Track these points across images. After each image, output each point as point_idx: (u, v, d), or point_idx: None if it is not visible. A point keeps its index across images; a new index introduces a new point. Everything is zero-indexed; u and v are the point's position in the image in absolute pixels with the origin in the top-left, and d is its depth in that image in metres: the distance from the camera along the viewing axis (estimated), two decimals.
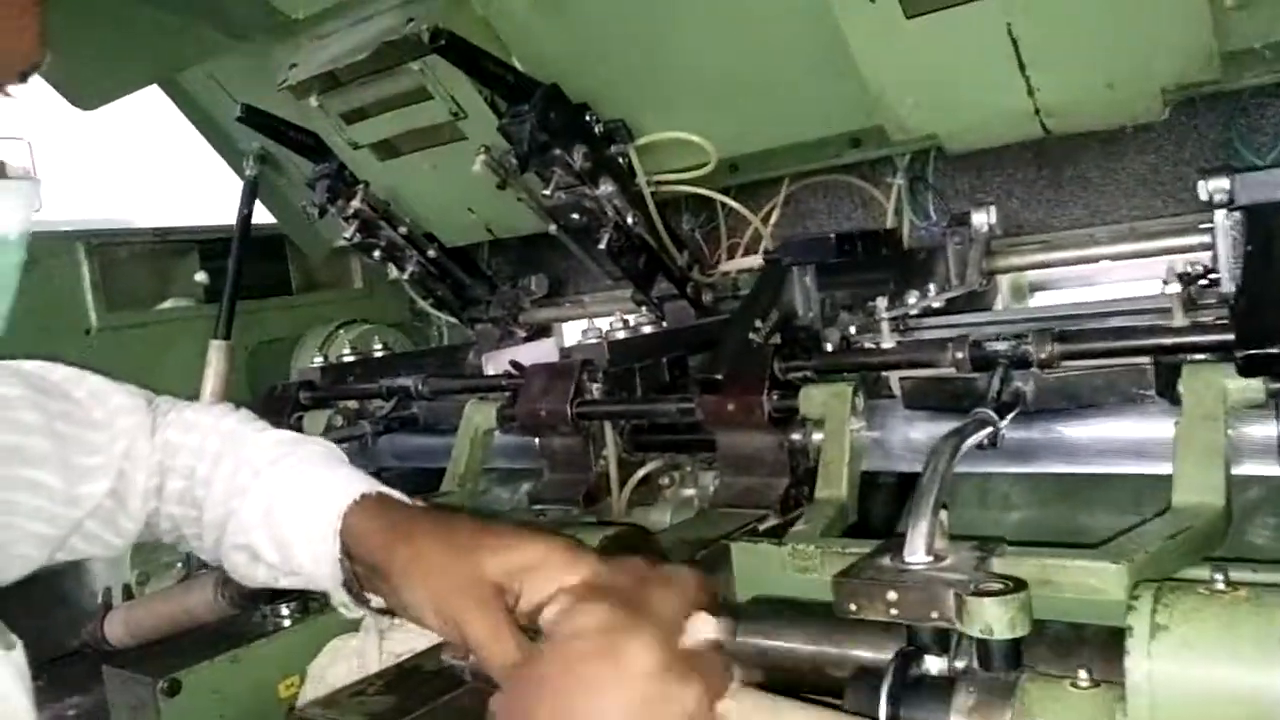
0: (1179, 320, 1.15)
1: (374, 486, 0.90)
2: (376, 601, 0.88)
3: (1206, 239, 1.47)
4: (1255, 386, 1.03)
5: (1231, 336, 1.05)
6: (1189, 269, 1.26)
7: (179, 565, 1.85)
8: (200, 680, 1.17)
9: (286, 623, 1.33)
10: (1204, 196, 1.32)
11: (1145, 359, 1.16)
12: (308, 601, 1.40)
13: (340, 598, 0.89)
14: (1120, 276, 1.82)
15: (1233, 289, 1.24)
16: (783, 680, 1.01)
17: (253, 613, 1.40)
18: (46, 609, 1.79)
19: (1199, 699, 0.75)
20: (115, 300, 2.20)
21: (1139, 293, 1.56)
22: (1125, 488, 1.33)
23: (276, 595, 1.40)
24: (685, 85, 1.76)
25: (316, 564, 0.87)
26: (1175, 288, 1.15)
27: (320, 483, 0.90)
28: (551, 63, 1.75)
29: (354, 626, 1.31)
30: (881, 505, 1.42)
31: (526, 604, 0.81)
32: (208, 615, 1.46)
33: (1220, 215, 1.25)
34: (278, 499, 0.90)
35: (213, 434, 0.97)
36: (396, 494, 0.91)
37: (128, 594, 1.72)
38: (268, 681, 1.22)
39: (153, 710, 1.13)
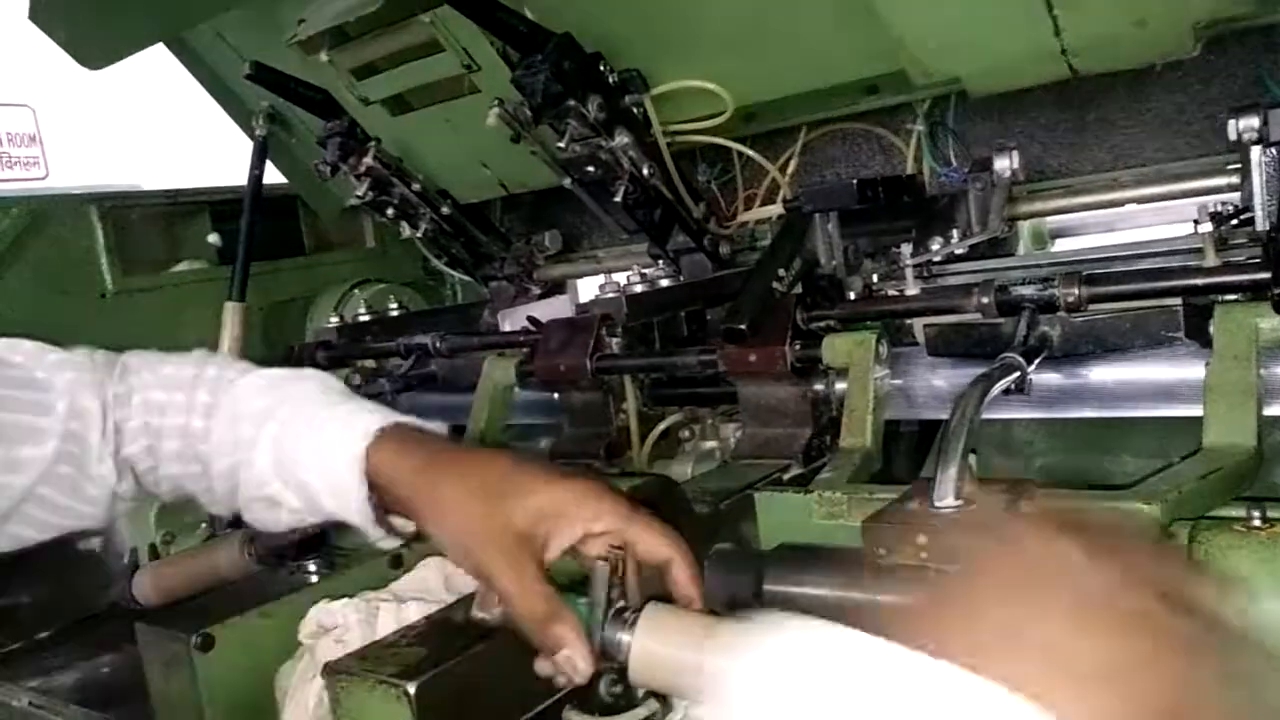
0: (1211, 260, 1.13)
1: (386, 418, 0.88)
2: (406, 526, 0.88)
3: (1233, 180, 1.44)
4: None
5: (1266, 275, 1.03)
6: (1220, 209, 1.23)
7: (204, 525, 1.86)
8: (232, 635, 1.17)
9: (313, 578, 1.34)
10: (1233, 135, 1.29)
11: (1175, 301, 1.15)
12: (333, 557, 1.41)
13: (375, 535, 0.88)
14: (1144, 221, 1.79)
15: (1267, 227, 1.21)
16: None
17: (279, 569, 1.41)
18: (74, 571, 1.81)
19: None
20: (129, 263, 2.19)
21: (1163, 237, 1.54)
22: (1152, 432, 1.32)
23: (302, 552, 1.41)
24: (700, 32, 1.73)
25: (343, 507, 0.86)
26: (1208, 227, 1.13)
27: (330, 425, 0.88)
28: (564, 11, 1.72)
29: (374, 580, 1.32)
30: (905, 453, 1.42)
31: (554, 550, 0.80)
32: (234, 573, 1.47)
33: (1256, 151, 1.22)
34: (289, 447, 0.88)
35: (199, 386, 0.95)
36: (409, 420, 0.89)
37: (154, 554, 1.74)
38: (297, 636, 1.23)
39: (186, 664, 1.14)
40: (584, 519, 0.80)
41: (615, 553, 0.79)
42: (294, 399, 0.92)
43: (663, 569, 0.81)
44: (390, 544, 0.90)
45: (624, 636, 0.77)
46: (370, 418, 0.87)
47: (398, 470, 0.84)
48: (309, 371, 0.98)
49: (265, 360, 2.30)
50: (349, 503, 0.86)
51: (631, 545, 0.80)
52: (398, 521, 0.88)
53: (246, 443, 0.90)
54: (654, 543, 0.80)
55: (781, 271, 1.35)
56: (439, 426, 0.91)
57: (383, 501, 0.86)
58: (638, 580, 0.82)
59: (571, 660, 0.75)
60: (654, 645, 0.77)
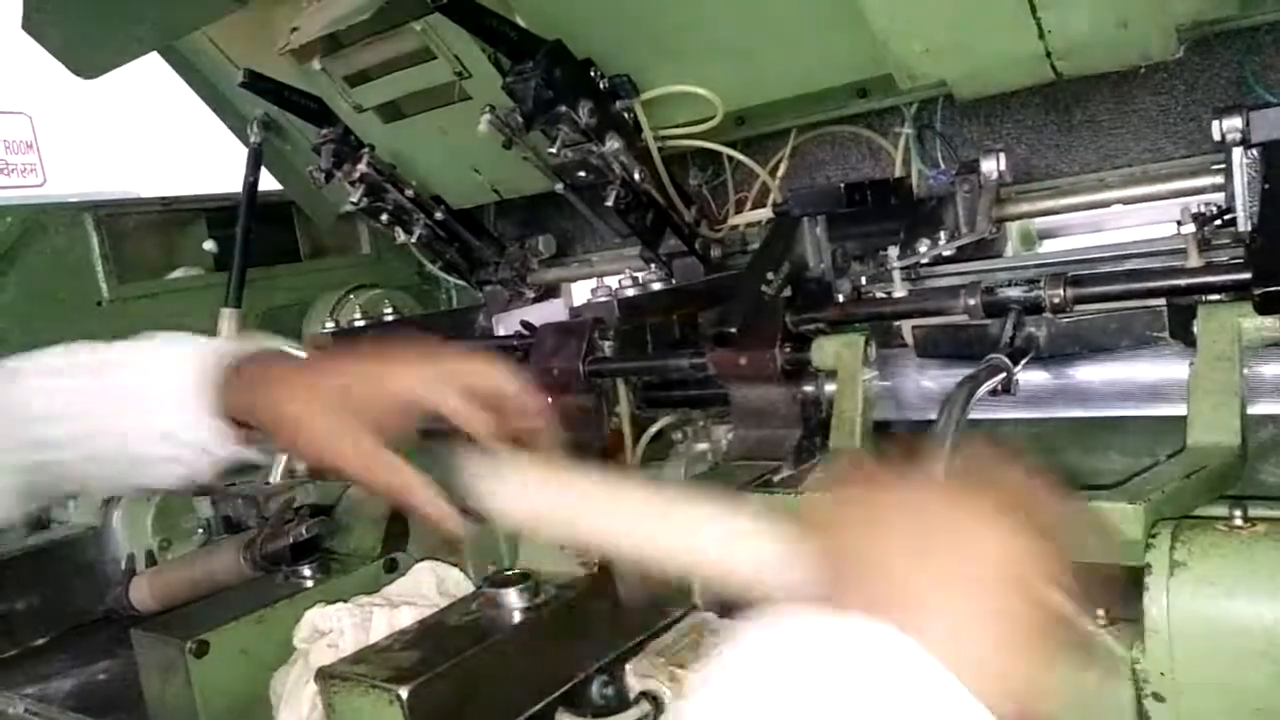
0: (1194, 261, 1.14)
1: (230, 351, 0.95)
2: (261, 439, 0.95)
3: (1218, 180, 1.46)
4: (1271, 324, 1.03)
5: (1248, 275, 1.04)
6: (1203, 209, 1.24)
7: (200, 531, 1.87)
8: (227, 641, 1.19)
9: (308, 584, 1.35)
10: (1216, 136, 1.30)
11: (1159, 301, 1.16)
12: (329, 563, 1.42)
13: (247, 455, 0.95)
14: (1130, 221, 1.80)
15: (1249, 228, 1.22)
16: None
17: (275, 575, 1.42)
18: (71, 577, 1.82)
19: (1218, 634, 0.76)
20: (125, 270, 2.20)
21: (1149, 237, 1.55)
22: (1138, 431, 1.33)
23: (298, 557, 1.42)
24: (690, 37, 1.74)
25: (202, 440, 0.92)
26: (1190, 228, 1.14)
27: (177, 367, 0.94)
28: (554, 18, 1.73)
29: (368, 585, 1.33)
30: (895, 454, 1.42)
31: (407, 428, 0.89)
32: (231, 578, 1.48)
33: (1238, 153, 1.23)
34: (139, 404, 0.93)
35: (68, 371, 0.99)
36: (247, 348, 0.96)
37: (150, 560, 1.75)
38: (292, 641, 1.24)
39: (182, 671, 1.15)
40: (421, 394, 0.88)
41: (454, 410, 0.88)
42: (140, 354, 0.99)
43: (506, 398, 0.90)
44: (261, 458, 0.97)
45: (478, 484, 0.85)
46: (213, 355, 0.94)
47: (245, 400, 0.92)
48: (160, 335, 1.03)
49: None
50: (222, 449, 0.93)
51: (468, 388, 0.88)
52: (257, 435, 0.94)
53: (114, 412, 0.95)
54: (479, 378, 0.90)
55: (770, 275, 1.36)
56: (269, 340, 1.00)
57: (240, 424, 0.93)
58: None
59: (431, 505, 0.85)
60: (498, 487, 0.84)
